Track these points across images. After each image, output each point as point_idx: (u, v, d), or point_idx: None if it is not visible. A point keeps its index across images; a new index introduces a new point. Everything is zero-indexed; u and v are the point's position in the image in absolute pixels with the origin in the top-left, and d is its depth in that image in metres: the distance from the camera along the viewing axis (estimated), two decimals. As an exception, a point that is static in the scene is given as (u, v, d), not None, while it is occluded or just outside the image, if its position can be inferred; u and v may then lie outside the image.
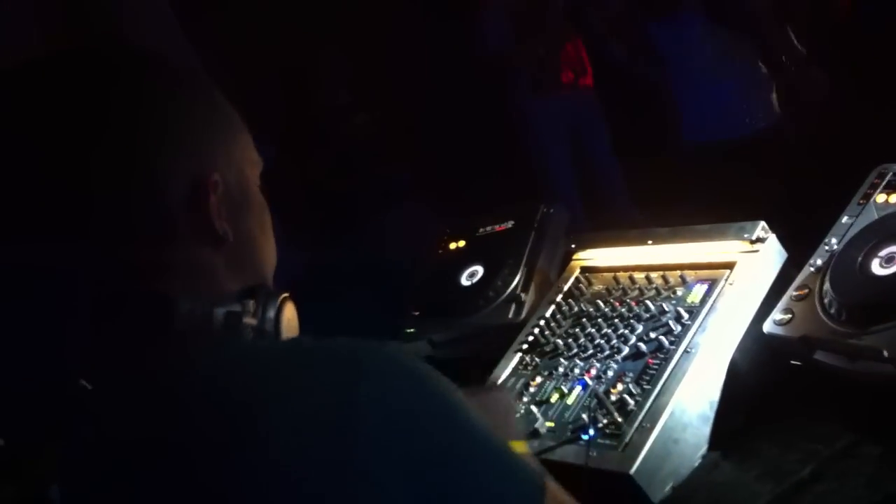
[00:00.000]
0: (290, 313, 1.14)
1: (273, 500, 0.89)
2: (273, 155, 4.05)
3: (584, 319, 1.96)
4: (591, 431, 1.63)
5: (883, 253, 1.56)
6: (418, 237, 4.89)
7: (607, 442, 1.61)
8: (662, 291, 1.89)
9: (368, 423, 0.91)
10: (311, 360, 0.98)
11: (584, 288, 2.07)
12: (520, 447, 1.41)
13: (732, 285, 1.76)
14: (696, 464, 1.61)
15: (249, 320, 1.07)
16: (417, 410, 0.95)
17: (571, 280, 2.12)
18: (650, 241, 2.02)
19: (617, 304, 1.94)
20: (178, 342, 1.01)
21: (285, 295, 1.13)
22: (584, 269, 2.13)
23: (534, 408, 1.77)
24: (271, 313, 1.10)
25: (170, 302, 1.01)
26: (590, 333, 1.90)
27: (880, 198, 1.70)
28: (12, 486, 1.18)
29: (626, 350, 1.79)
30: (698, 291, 1.82)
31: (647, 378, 1.69)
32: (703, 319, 1.73)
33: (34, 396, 1.11)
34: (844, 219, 1.73)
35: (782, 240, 1.80)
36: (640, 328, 1.83)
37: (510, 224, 2.45)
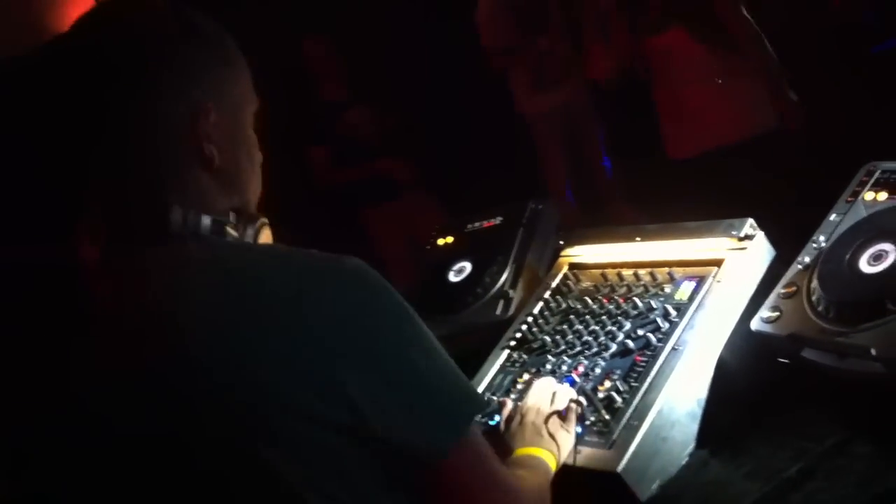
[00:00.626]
0: (266, 237, 1.30)
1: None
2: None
3: (571, 316, 1.95)
4: (579, 429, 1.61)
5: (871, 251, 1.56)
6: (416, 232, 4.90)
7: (595, 440, 1.61)
8: (650, 288, 1.88)
9: (327, 320, 1.10)
10: (289, 260, 1.17)
11: (572, 285, 2.06)
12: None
13: (720, 282, 1.76)
14: (684, 462, 1.60)
15: (232, 231, 1.24)
16: (372, 315, 1.13)
17: (559, 277, 2.11)
18: (638, 238, 2.01)
19: (605, 300, 1.93)
20: (173, 242, 1.18)
21: (264, 220, 1.31)
22: (573, 266, 2.12)
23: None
24: (251, 231, 1.27)
25: (164, 209, 1.18)
26: (578, 330, 1.89)
27: (868, 196, 1.70)
28: (11, 485, 1.20)
29: (613, 347, 1.79)
30: (686, 288, 1.81)
31: (635, 375, 1.68)
32: (691, 317, 1.73)
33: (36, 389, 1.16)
34: (832, 216, 1.73)
35: (770, 237, 1.80)
36: (627, 325, 1.82)
37: (499, 220, 2.43)
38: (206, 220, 1.21)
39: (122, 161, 1.21)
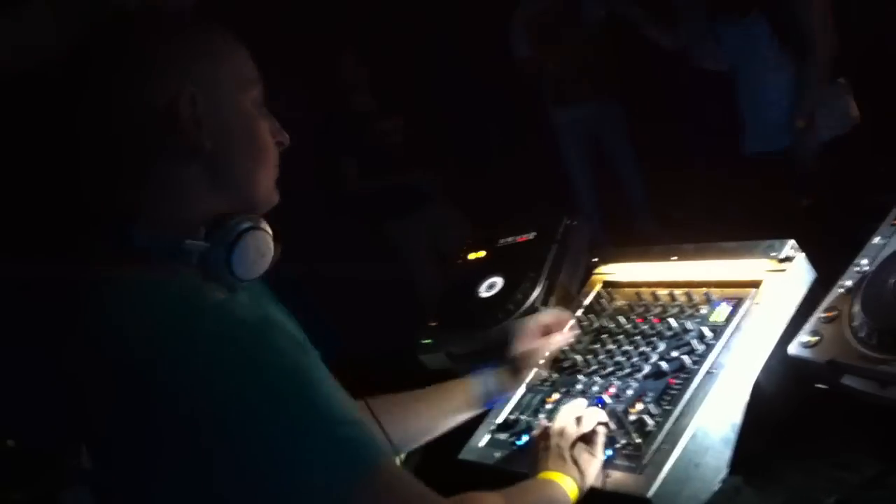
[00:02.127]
0: (253, 246, 1.23)
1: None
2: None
3: (604, 336, 1.91)
4: (609, 452, 1.58)
5: (916, 276, 1.51)
6: (441, 243, 4.90)
7: (625, 463, 1.56)
8: (686, 309, 1.84)
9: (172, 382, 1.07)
10: (153, 317, 1.13)
11: (605, 303, 2.02)
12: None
13: (759, 305, 1.71)
14: (717, 488, 1.56)
15: (194, 245, 1.19)
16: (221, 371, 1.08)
17: (593, 295, 2.07)
18: (675, 257, 1.97)
19: (639, 320, 1.89)
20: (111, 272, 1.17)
21: (248, 227, 1.23)
22: (607, 284, 2.09)
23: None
24: (222, 247, 1.20)
25: (125, 229, 1.18)
26: (610, 350, 1.85)
27: (914, 219, 1.65)
28: (23, 491, 1.21)
29: (646, 369, 1.75)
30: (723, 310, 1.77)
31: (668, 398, 1.64)
32: (728, 339, 1.68)
33: (51, 404, 1.16)
34: (876, 239, 1.68)
35: (811, 259, 1.75)
36: (661, 346, 1.78)
37: (532, 235, 2.40)
38: (164, 244, 1.18)
39: (92, 164, 1.21)
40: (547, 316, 1.94)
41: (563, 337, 1.92)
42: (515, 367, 1.87)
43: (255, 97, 1.29)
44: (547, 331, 1.91)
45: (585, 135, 5.05)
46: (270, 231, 1.27)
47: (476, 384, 1.83)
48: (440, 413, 1.80)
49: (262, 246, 1.25)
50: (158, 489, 1.12)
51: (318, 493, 1.08)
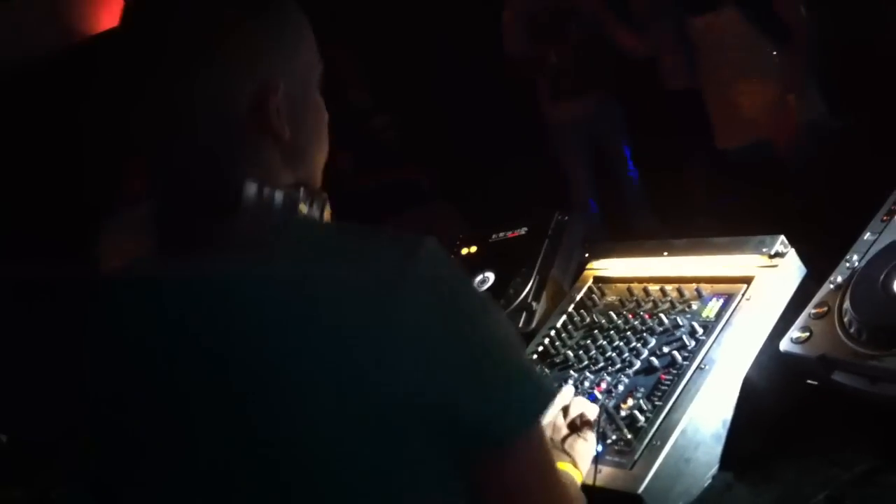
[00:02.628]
0: (328, 214, 1.26)
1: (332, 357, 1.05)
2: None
3: (595, 331, 1.91)
4: (600, 448, 1.58)
5: (906, 272, 1.51)
6: (441, 237, 4.89)
7: (616, 459, 1.57)
8: (677, 305, 1.84)
9: (418, 299, 1.06)
10: (372, 238, 1.16)
11: (596, 298, 2.03)
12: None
13: (749, 300, 1.71)
14: (708, 484, 1.56)
15: (302, 207, 1.19)
16: (458, 295, 1.11)
17: (584, 290, 2.07)
18: (666, 253, 1.97)
19: (630, 316, 1.89)
20: (246, 220, 1.14)
21: (326, 196, 1.26)
22: (598, 280, 2.09)
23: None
24: (317, 206, 1.23)
25: (238, 185, 1.14)
26: (601, 346, 1.85)
27: (905, 215, 1.65)
28: (20, 489, 1.20)
29: (637, 364, 1.75)
30: (714, 306, 1.77)
31: (659, 394, 1.64)
32: (718, 335, 1.69)
33: (52, 398, 1.15)
34: (867, 235, 1.68)
35: (802, 255, 1.75)
36: (652, 342, 1.78)
37: (523, 231, 2.40)
38: (279, 196, 1.17)
39: (190, 142, 1.17)
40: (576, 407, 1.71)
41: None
42: None
43: (320, 81, 1.31)
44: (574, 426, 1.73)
45: (582, 132, 5.03)
46: None
47: None
48: None
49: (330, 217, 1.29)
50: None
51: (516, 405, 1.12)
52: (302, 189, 1.21)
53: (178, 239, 1.17)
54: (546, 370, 1.90)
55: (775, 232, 1.77)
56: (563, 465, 1.50)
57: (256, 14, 1.21)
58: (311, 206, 1.22)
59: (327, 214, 1.27)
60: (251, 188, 1.14)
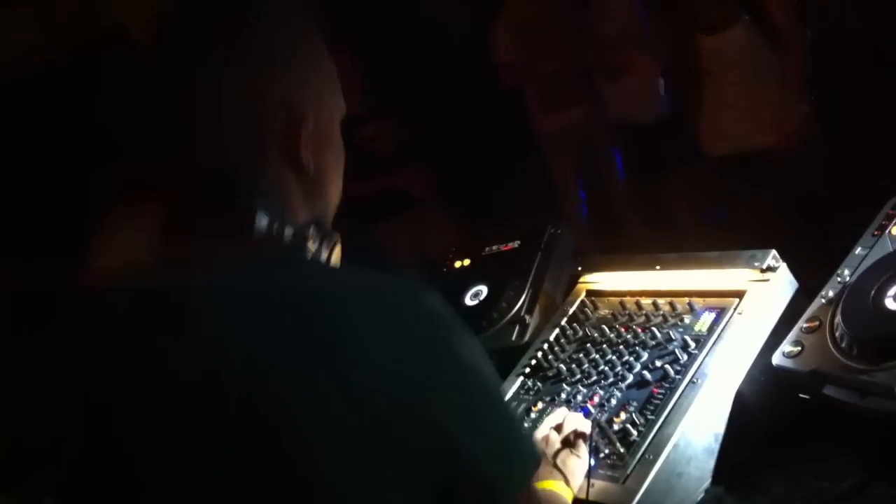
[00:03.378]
0: (336, 255, 1.24)
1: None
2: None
3: (588, 344, 1.91)
4: (592, 462, 1.58)
5: (897, 287, 1.52)
6: (429, 246, 4.89)
7: (608, 473, 1.57)
8: (669, 318, 1.85)
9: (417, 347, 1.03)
10: (374, 288, 1.09)
11: (589, 312, 2.03)
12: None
13: (741, 314, 1.72)
14: (699, 499, 1.56)
15: (311, 246, 1.18)
16: (458, 346, 1.06)
17: (577, 303, 2.07)
18: (658, 267, 1.98)
19: (622, 329, 1.90)
20: (254, 252, 1.11)
21: (338, 236, 1.25)
22: (591, 293, 2.09)
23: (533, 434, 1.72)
24: (326, 247, 1.21)
25: (251, 214, 1.12)
26: (594, 359, 1.85)
27: (895, 230, 1.66)
28: (11, 495, 1.20)
29: (630, 378, 1.75)
30: (706, 320, 1.77)
31: (652, 408, 1.65)
32: (711, 349, 1.69)
33: (43, 404, 1.14)
34: (858, 250, 1.69)
35: (794, 269, 1.76)
36: (645, 356, 1.78)
37: (516, 244, 2.40)
38: (289, 231, 1.15)
39: (210, 157, 1.14)
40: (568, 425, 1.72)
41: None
42: None
43: (342, 123, 1.30)
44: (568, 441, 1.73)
45: (574, 141, 5.05)
46: None
47: None
48: None
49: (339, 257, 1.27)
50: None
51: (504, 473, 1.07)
52: (313, 226, 1.19)
53: (174, 255, 1.14)
54: (539, 384, 1.90)
55: (767, 245, 1.78)
56: (553, 484, 1.50)
57: (303, 43, 1.21)
58: (320, 244, 1.20)
59: (336, 255, 1.25)
60: (263, 219, 1.12)
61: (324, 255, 1.21)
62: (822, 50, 3.84)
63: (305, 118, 1.17)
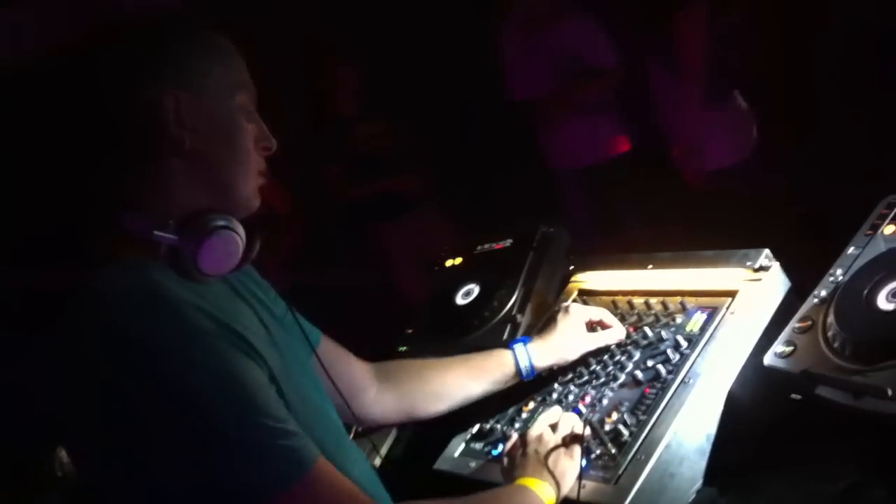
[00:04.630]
0: (221, 244, 1.26)
1: None
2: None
3: (580, 344, 1.90)
4: (583, 462, 1.57)
5: (890, 287, 1.50)
6: (428, 248, 4.87)
7: (600, 474, 1.56)
8: (661, 318, 1.84)
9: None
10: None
11: (581, 311, 2.01)
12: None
13: (734, 314, 1.71)
14: (692, 499, 1.55)
15: (163, 236, 1.22)
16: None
17: (569, 302, 2.06)
18: (651, 266, 1.97)
19: (615, 329, 1.88)
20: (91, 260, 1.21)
21: (220, 224, 1.26)
22: (583, 292, 2.08)
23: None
24: (193, 242, 1.23)
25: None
26: (585, 359, 1.84)
27: (888, 229, 1.65)
28: (2, 494, 1.21)
29: (622, 378, 1.74)
30: (698, 319, 1.77)
31: (643, 408, 1.64)
32: (703, 349, 1.68)
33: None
34: (851, 249, 1.67)
35: (786, 268, 1.75)
36: (637, 355, 1.77)
37: (508, 243, 2.39)
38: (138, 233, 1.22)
39: (78, 152, 1.25)
40: (595, 313, 1.88)
41: (612, 334, 1.85)
42: (553, 348, 1.83)
43: (244, 102, 1.34)
44: (591, 327, 1.87)
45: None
46: (242, 232, 1.29)
47: (518, 356, 1.81)
48: (477, 382, 1.81)
49: (230, 245, 1.27)
50: (109, 489, 1.18)
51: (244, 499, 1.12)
52: (171, 223, 1.24)
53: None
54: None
55: (760, 245, 1.77)
56: (535, 482, 1.49)
57: (166, 24, 1.30)
58: (185, 240, 1.23)
59: (220, 245, 1.26)
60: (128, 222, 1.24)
61: (187, 251, 1.23)
62: (822, 51, 3.83)
63: (170, 95, 1.25)
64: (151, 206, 1.25)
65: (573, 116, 4.54)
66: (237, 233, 1.28)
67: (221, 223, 1.26)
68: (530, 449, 1.57)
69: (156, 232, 1.22)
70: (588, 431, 1.62)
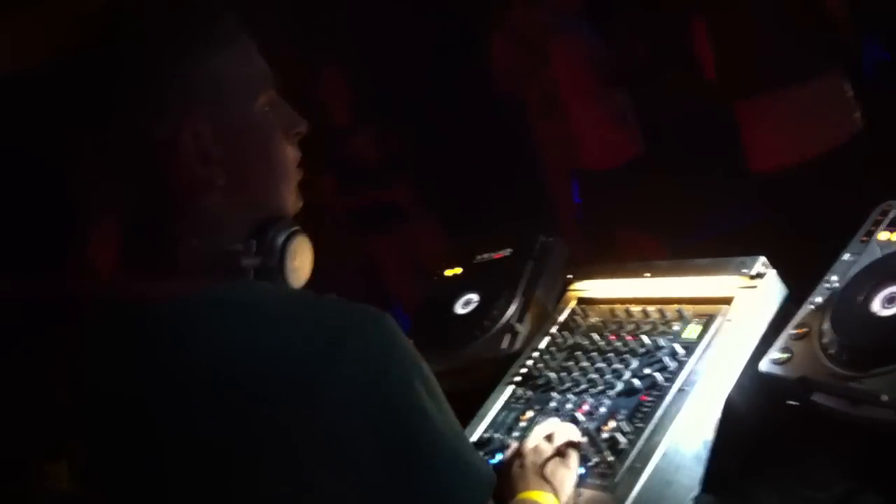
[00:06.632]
0: (299, 253, 1.23)
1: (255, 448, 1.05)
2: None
3: (578, 353, 1.90)
4: (581, 470, 1.57)
5: (885, 293, 1.51)
6: (421, 257, 4.88)
7: (597, 482, 1.56)
8: (659, 326, 1.84)
9: (338, 389, 1.04)
10: (302, 313, 1.12)
11: (580, 320, 2.02)
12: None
13: (730, 322, 1.71)
14: (689, 507, 1.55)
15: (250, 261, 1.16)
16: (389, 386, 1.08)
17: (567, 311, 2.07)
18: (648, 274, 1.97)
19: (612, 337, 1.89)
20: (178, 282, 1.13)
21: (294, 229, 1.22)
22: (581, 301, 2.08)
23: (523, 444, 1.72)
24: (274, 254, 1.19)
25: (173, 242, 1.14)
26: (583, 367, 1.85)
27: (883, 235, 1.65)
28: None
29: (619, 386, 1.74)
30: (695, 327, 1.77)
31: (641, 416, 1.64)
32: (700, 356, 1.68)
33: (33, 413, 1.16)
34: (846, 256, 1.68)
35: (783, 275, 1.75)
36: (634, 363, 1.78)
37: (508, 252, 2.39)
38: (219, 255, 1.15)
39: (119, 197, 1.16)
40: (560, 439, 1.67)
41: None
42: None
43: (265, 99, 1.24)
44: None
45: (570, 148, 5.03)
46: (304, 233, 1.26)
47: None
48: None
49: (306, 249, 1.26)
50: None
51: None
52: (251, 241, 1.17)
53: (114, 292, 1.18)
54: (529, 392, 1.89)
55: (757, 251, 1.78)
56: (539, 495, 1.49)
57: (168, 44, 1.15)
58: (265, 256, 1.18)
59: (299, 252, 1.24)
60: (186, 248, 1.14)
61: (271, 264, 1.19)
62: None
63: (184, 137, 1.13)
64: (209, 241, 1.17)
65: (602, 119, 4.54)
66: (303, 234, 1.26)
67: (286, 234, 1.22)
68: (528, 461, 1.57)
69: (244, 260, 1.16)
70: (585, 439, 1.62)
